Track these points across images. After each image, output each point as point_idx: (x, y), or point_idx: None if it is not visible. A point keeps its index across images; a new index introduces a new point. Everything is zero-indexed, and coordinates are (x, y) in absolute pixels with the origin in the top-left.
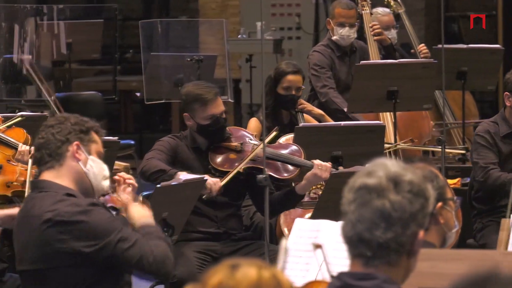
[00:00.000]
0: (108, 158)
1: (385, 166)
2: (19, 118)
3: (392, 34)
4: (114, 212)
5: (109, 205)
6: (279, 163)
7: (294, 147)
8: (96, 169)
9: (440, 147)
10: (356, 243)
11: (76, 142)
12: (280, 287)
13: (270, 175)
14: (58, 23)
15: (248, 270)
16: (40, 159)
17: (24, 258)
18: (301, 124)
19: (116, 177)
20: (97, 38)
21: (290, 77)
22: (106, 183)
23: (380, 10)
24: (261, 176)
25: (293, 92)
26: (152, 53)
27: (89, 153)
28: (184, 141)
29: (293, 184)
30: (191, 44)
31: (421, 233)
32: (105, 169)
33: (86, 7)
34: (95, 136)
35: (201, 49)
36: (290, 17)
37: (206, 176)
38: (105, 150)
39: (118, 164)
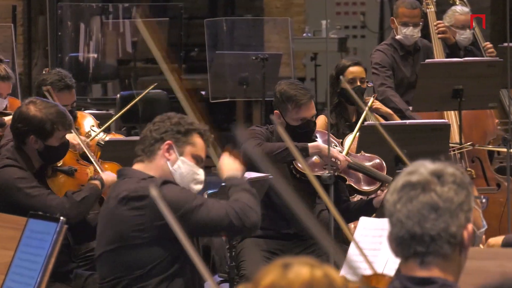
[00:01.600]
0: None
1: (424, 165)
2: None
3: (467, 34)
4: None
5: None
6: (361, 174)
7: (378, 161)
8: (184, 170)
9: (505, 146)
10: (408, 241)
11: (168, 141)
12: (333, 285)
13: (350, 185)
14: (124, 22)
15: (300, 269)
16: (135, 153)
17: (101, 240)
18: (365, 123)
19: None
20: (163, 37)
21: (352, 69)
22: (197, 187)
23: (458, 8)
24: (325, 174)
25: (358, 83)
26: (217, 51)
27: (182, 154)
28: (271, 135)
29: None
30: (256, 42)
31: (470, 227)
32: (197, 173)
33: (152, 5)
34: (196, 139)
35: (266, 48)
36: (355, 15)
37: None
38: None
39: None
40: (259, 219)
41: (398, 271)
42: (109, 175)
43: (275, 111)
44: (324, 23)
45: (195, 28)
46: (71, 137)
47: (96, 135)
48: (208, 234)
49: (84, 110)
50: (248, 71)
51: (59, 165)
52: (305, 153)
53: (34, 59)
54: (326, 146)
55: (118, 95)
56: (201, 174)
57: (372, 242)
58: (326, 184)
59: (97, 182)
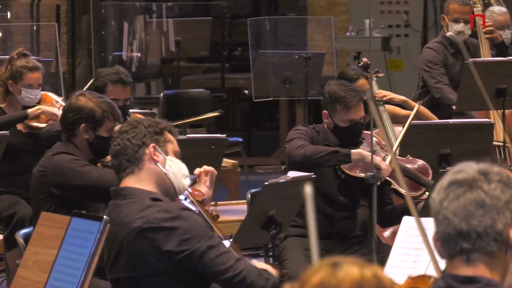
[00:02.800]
0: (216, 155)
1: (470, 164)
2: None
3: (506, 35)
4: (194, 208)
5: (188, 200)
6: (407, 178)
7: (423, 165)
8: (175, 168)
9: None
10: (455, 238)
11: (152, 144)
12: (382, 285)
13: (394, 189)
14: (167, 21)
15: (350, 268)
16: (119, 165)
17: (115, 266)
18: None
19: (196, 172)
20: (206, 36)
21: (358, 83)
22: (187, 182)
23: (496, 9)
24: (369, 174)
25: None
26: (260, 50)
27: (166, 154)
28: (317, 135)
29: None
30: (299, 41)
31: None
32: (183, 168)
33: (195, 4)
34: (169, 136)
35: (309, 47)
36: (398, 14)
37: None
38: (213, 148)
39: (226, 161)
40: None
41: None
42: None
43: (324, 111)
44: (368, 22)
45: (238, 27)
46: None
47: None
48: (212, 278)
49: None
50: (291, 70)
51: (108, 161)
52: (347, 159)
53: (77, 58)
54: (369, 153)
55: (162, 94)
56: (185, 168)
57: (415, 242)
58: (369, 184)
59: None
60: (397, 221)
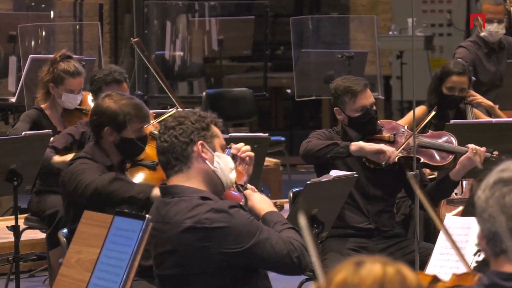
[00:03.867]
0: (258, 154)
1: None
2: (174, 111)
3: None
4: (238, 194)
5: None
6: (433, 150)
7: (446, 136)
8: (222, 164)
9: None
10: (500, 236)
11: (200, 142)
12: (405, 282)
13: (425, 163)
14: (210, 20)
15: (373, 266)
16: (166, 163)
17: (164, 263)
18: (451, 121)
19: (233, 150)
20: (248, 35)
21: (455, 78)
22: (233, 175)
23: None
24: (411, 173)
25: (456, 93)
26: (302, 49)
27: (214, 150)
28: (337, 135)
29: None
30: (341, 40)
31: None
32: (229, 162)
33: (238, 3)
34: (215, 130)
35: (352, 46)
36: (441, 13)
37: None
38: (255, 147)
39: (269, 160)
40: (310, 262)
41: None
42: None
43: (335, 108)
44: (410, 21)
45: (281, 26)
46: None
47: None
48: (267, 268)
49: (170, 107)
50: (333, 69)
51: (140, 159)
52: (346, 151)
53: (120, 57)
54: (368, 144)
55: (204, 93)
56: (231, 161)
57: (457, 241)
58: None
59: (155, 191)
60: (435, 198)
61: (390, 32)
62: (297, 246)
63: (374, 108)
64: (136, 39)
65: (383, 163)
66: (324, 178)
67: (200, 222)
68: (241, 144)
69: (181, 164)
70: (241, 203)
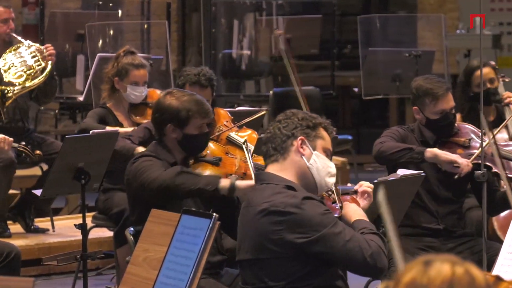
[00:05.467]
0: None
1: None
2: (259, 114)
3: None
4: (338, 206)
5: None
6: (509, 161)
7: None
8: (320, 164)
9: None
10: None
11: (301, 137)
12: (474, 282)
13: (496, 173)
14: (277, 19)
15: (442, 266)
16: (266, 152)
17: (242, 248)
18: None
19: (363, 189)
20: (316, 34)
21: (478, 72)
22: (331, 180)
23: None
24: (478, 172)
25: (488, 85)
26: (370, 48)
27: (314, 149)
28: (412, 133)
29: None
30: (409, 39)
31: None
32: (330, 166)
33: (305, 2)
34: (323, 133)
35: (419, 44)
36: (509, 12)
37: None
38: None
39: (336, 159)
40: (387, 266)
41: None
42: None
43: (414, 107)
44: (478, 20)
45: (348, 25)
46: None
47: (226, 131)
48: (339, 264)
49: (237, 106)
50: (401, 68)
51: (203, 155)
52: (421, 157)
53: (188, 56)
54: (443, 152)
55: (271, 92)
56: (333, 167)
57: None
58: (479, 182)
59: (226, 181)
60: (501, 208)
61: (458, 31)
62: (373, 246)
63: (454, 111)
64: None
65: (455, 177)
66: (391, 177)
67: (275, 205)
68: (366, 183)
69: (277, 154)
70: (335, 215)
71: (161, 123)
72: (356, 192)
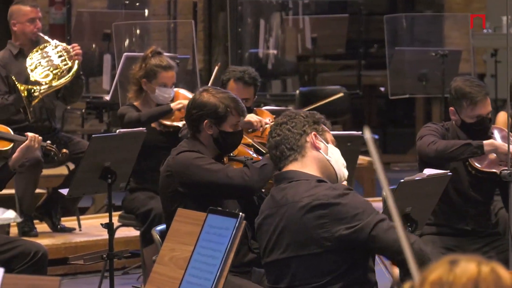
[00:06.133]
0: (351, 152)
1: None
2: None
3: None
4: None
5: None
6: None
7: None
8: (336, 155)
9: None
10: None
11: (313, 133)
12: (500, 281)
13: None
14: (304, 18)
15: (467, 265)
16: (280, 155)
17: (276, 248)
18: None
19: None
20: (342, 33)
21: None
22: (346, 171)
23: None
24: (505, 171)
25: None
26: (396, 47)
27: (326, 142)
28: (447, 132)
29: None
30: (435, 38)
31: None
32: (341, 158)
33: (331, 1)
34: (325, 127)
35: (446, 44)
36: None
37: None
38: (349, 145)
39: (362, 158)
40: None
41: None
42: None
43: (450, 108)
44: (505, 19)
45: (375, 24)
46: (250, 115)
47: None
48: (382, 250)
49: (264, 105)
50: (427, 68)
51: (234, 154)
52: (480, 151)
53: (214, 55)
54: (502, 143)
55: (298, 91)
56: (342, 158)
57: None
58: (506, 182)
59: None
60: None
61: (485, 30)
62: (418, 240)
63: (489, 116)
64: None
65: (499, 172)
66: (417, 177)
67: (317, 198)
68: None
69: (295, 153)
70: None
71: (198, 119)
72: None
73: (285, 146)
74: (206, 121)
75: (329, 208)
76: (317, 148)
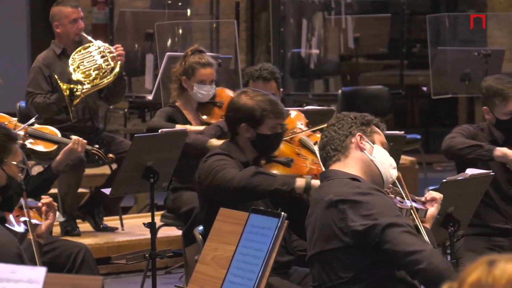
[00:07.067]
0: (394, 152)
1: None
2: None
3: None
4: (407, 203)
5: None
6: None
7: None
8: (382, 156)
9: None
10: None
11: (358, 133)
12: None
13: None
14: (346, 18)
15: (506, 265)
16: (325, 156)
17: (311, 245)
18: None
19: (431, 195)
20: (385, 33)
21: None
22: (394, 172)
23: None
24: None
25: None
26: (439, 47)
27: (374, 143)
28: (482, 132)
29: None
30: (478, 38)
31: None
32: (391, 159)
33: (374, 1)
34: (376, 129)
35: (489, 43)
36: None
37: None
38: (391, 145)
39: (404, 158)
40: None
41: None
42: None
43: (484, 107)
44: None
45: (417, 24)
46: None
47: (300, 133)
48: (394, 257)
49: (306, 105)
50: (470, 67)
51: (275, 155)
52: (489, 155)
53: (256, 55)
54: None
55: (340, 91)
56: (393, 160)
57: None
58: None
59: (302, 181)
60: None
61: None
62: (437, 257)
63: None
64: None
65: None
66: (460, 177)
67: (339, 195)
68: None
69: (339, 153)
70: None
71: (235, 122)
72: None
73: (330, 147)
74: (243, 124)
75: (348, 203)
76: (362, 149)
